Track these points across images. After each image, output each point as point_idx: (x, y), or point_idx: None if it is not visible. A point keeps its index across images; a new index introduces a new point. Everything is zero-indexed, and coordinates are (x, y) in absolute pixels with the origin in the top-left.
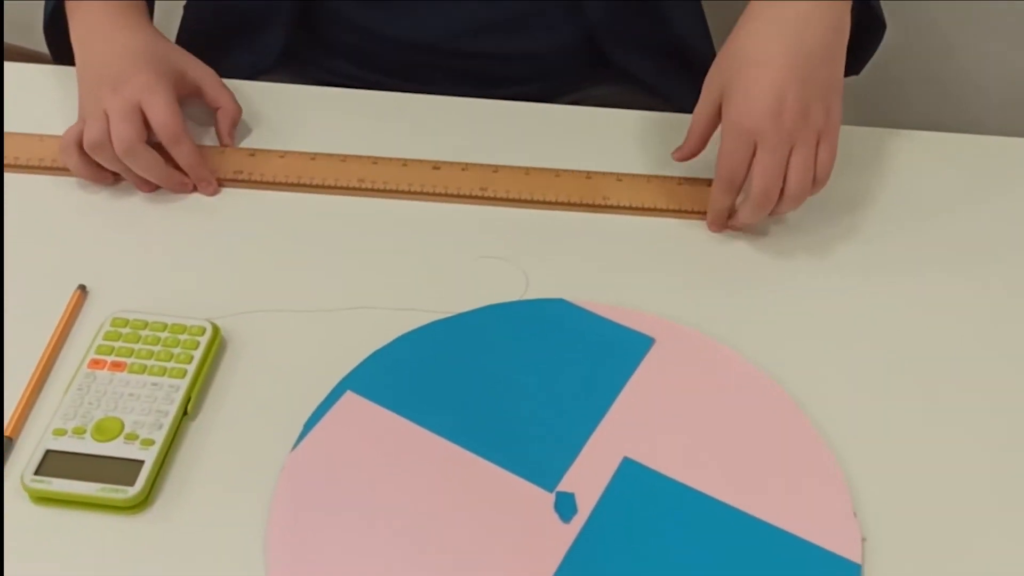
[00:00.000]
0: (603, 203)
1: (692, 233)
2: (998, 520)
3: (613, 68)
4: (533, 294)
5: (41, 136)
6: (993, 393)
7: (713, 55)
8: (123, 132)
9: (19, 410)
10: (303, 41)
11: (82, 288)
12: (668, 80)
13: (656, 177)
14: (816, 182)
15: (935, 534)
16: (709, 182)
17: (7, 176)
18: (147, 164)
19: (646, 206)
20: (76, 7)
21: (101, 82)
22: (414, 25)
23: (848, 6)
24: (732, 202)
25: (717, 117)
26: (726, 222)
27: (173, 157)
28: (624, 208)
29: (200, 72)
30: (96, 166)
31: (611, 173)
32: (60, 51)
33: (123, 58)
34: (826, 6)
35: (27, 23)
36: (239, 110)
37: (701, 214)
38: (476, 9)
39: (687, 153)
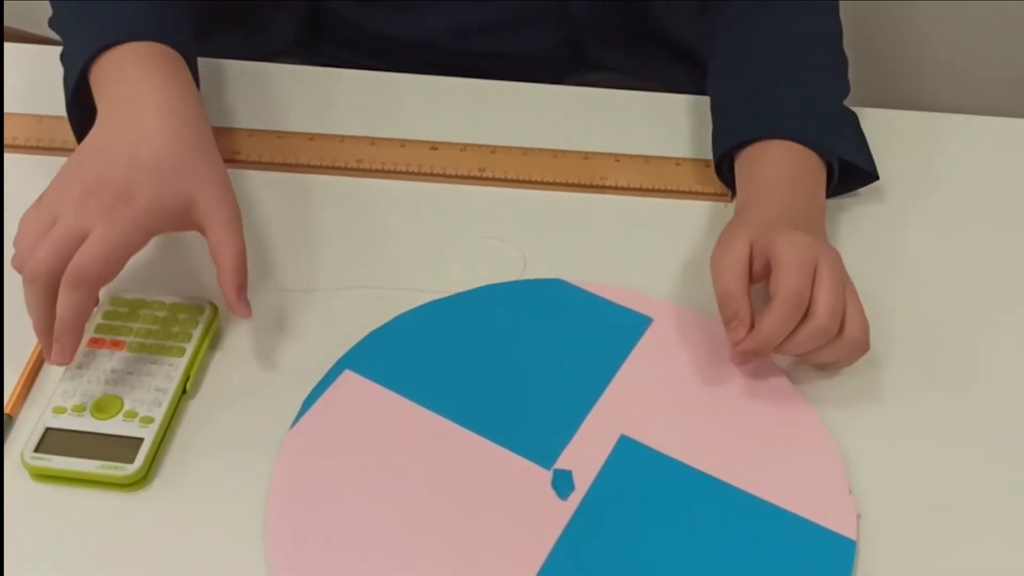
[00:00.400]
0: (601, 183)
1: (690, 213)
2: (993, 498)
3: (606, 67)
4: (531, 274)
5: (40, 117)
6: (990, 371)
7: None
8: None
9: (19, 388)
10: (310, 35)
11: None
12: (660, 72)
13: (654, 158)
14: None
15: (930, 511)
16: (707, 163)
17: (15, 156)
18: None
19: (644, 187)
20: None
21: (87, 179)
22: (408, 25)
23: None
24: (788, 328)
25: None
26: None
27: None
28: (622, 188)
29: (211, 208)
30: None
31: (609, 154)
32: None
33: (131, 166)
34: (809, 183)
35: (27, 7)
36: (241, 265)
37: (698, 194)
38: (468, 10)
39: (748, 324)
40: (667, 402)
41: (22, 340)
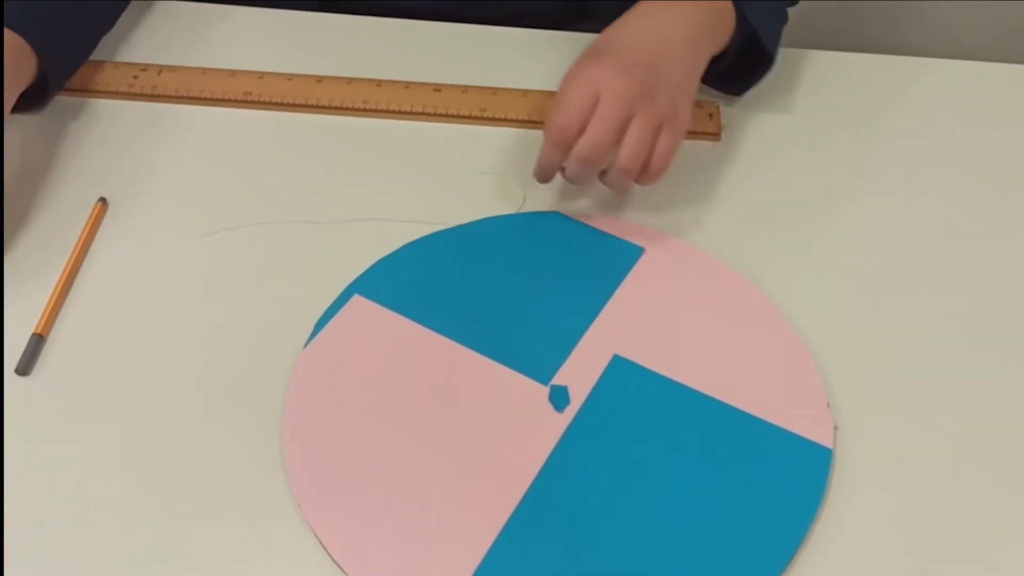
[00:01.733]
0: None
1: (680, 152)
2: (963, 413)
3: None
4: (530, 208)
5: None
6: (963, 291)
7: None
8: None
9: (49, 310)
10: (321, 5)
11: (103, 200)
12: None
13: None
14: (650, 170)
15: (903, 424)
16: (699, 104)
17: None
18: None
19: None
20: None
21: None
22: None
23: (722, 32)
24: (561, 159)
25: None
26: (552, 175)
27: None
28: None
29: None
30: None
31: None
32: None
33: None
34: (697, 24)
35: None
36: None
37: (690, 134)
38: None
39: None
40: (657, 324)
41: (51, 267)
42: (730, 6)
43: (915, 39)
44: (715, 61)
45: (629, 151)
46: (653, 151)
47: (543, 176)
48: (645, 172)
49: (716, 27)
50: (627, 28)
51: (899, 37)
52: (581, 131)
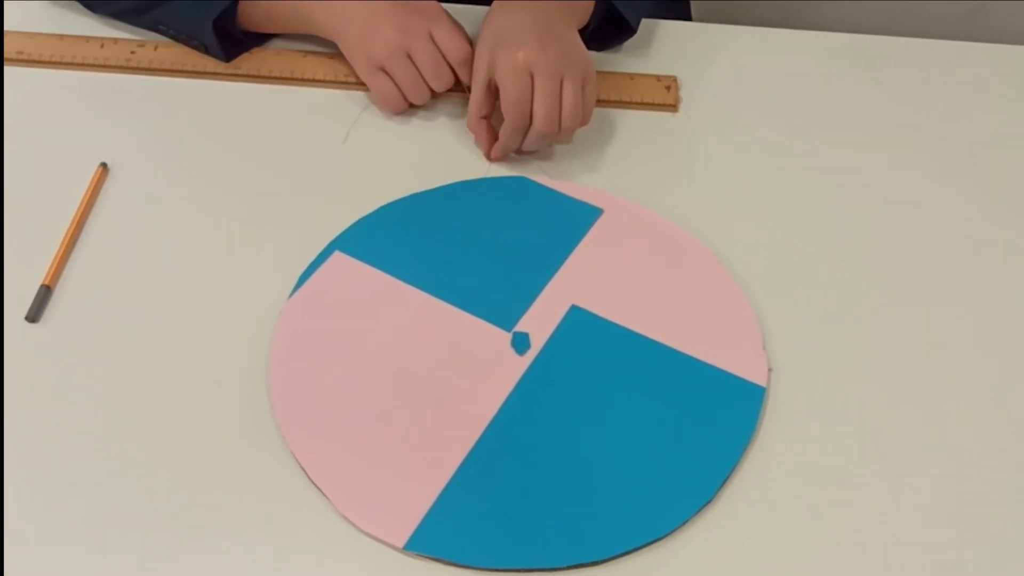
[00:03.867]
0: None
1: (639, 122)
2: (891, 358)
3: None
4: (497, 173)
5: (61, 36)
6: (894, 246)
7: None
8: (437, 67)
9: (55, 263)
10: None
11: (104, 166)
12: None
13: (610, 74)
14: (585, 116)
15: (833, 368)
16: (658, 78)
17: (35, 71)
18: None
19: (600, 98)
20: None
21: (385, 27)
22: None
23: (583, 9)
24: (522, 139)
25: (492, 96)
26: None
27: (460, 77)
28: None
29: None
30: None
31: None
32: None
33: (394, 3)
34: (560, 5)
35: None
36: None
37: (649, 105)
38: None
39: (489, 145)
40: (611, 278)
41: (55, 227)
42: None
43: (872, 17)
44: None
45: (569, 116)
46: (585, 103)
47: (501, 157)
48: (583, 121)
49: (575, 7)
50: (510, 13)
51: (855, 15)
52: (531, 108)
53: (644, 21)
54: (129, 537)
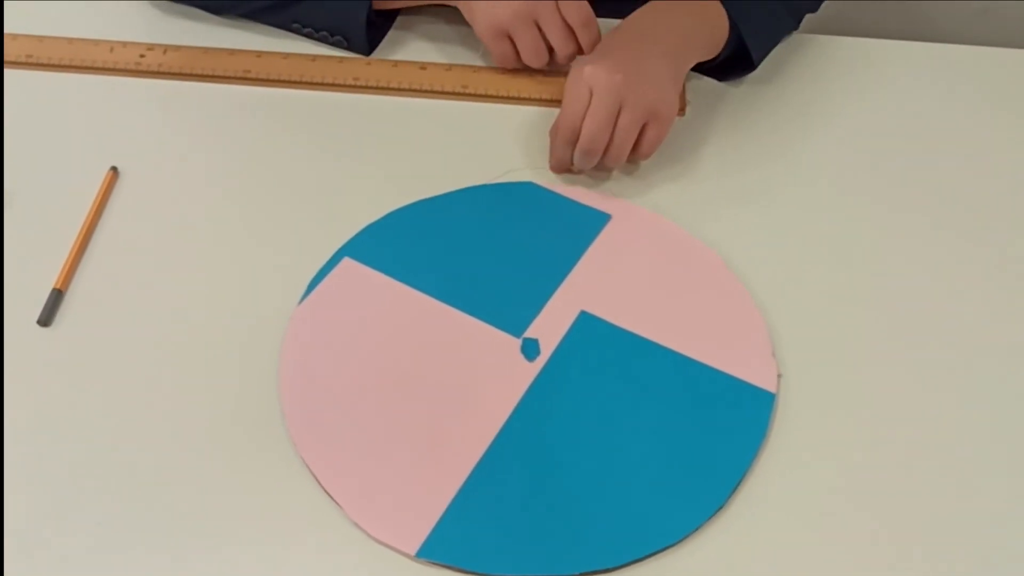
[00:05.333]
0: None
1: None
2: (902, 364)
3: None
4: (506, 179)
5: (70, 39)
6: (905, 250)
7: None
8: (562, 35)
9: (67, 267)
10: None
11: (114, 169)
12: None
13: None
14: (638, 155)
15: (843, 374)
16: None
17: (45, 74)
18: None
19: None
20: None
21: None
22: None
23: (710, 45)
24: (571, 153)
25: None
26: (566, 167)
27: (582, 42)
28: None
29: None
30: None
31: None
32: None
33: None
34: (685, 34)
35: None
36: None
37: None
38: None
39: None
40: (620, 283)
41: (66, 230)
42: (725, 24)
43: (880, 21)
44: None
45: (616, 143)
46: (642, 139)
47: (558, 169)
48: (634, 156)
49: (706, 38)
50: (623, 30)
51: (863, 19)
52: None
53: None
54: (139, 542)
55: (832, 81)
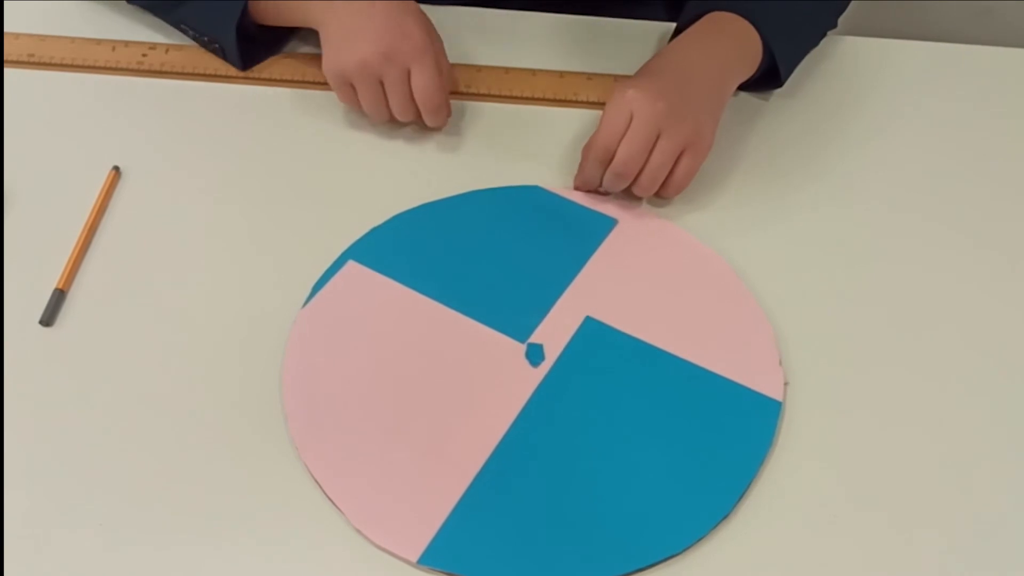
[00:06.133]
0: (574, 99)
1: None
2: (908, 372)
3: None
4: (511, 181)
5: (72, 39)
6: (911, 259)
7: None
8: (403, 104)
9: (69, 267)
10: None
11: (116, 169)
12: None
13: (622, 76)
14: (671, 184)
15: (849, 382)
16: None
17: (47, 74)
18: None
19: None
20: None
21: (368, 43)
22: None
23: (748, 68)
24: (601, 173)
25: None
26: (594, 187)
27: (425, 121)
28: (593, 104)
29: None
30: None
31: (582, 73)
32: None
33: (387, 21)
34: (727, 60)
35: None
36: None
37: None
38: None
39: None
40: (626, 289)
41: (69, 229)
42: (759, 47)
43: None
44: None
45: (651, 170)
46: (676, 169)
47: (585, 187)
48: (666, 188)
49: (743, 63)
50: (665, 58)
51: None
52: (616, 148)
53: (658, 25)
54: (139, 544)
55: (838, 82)
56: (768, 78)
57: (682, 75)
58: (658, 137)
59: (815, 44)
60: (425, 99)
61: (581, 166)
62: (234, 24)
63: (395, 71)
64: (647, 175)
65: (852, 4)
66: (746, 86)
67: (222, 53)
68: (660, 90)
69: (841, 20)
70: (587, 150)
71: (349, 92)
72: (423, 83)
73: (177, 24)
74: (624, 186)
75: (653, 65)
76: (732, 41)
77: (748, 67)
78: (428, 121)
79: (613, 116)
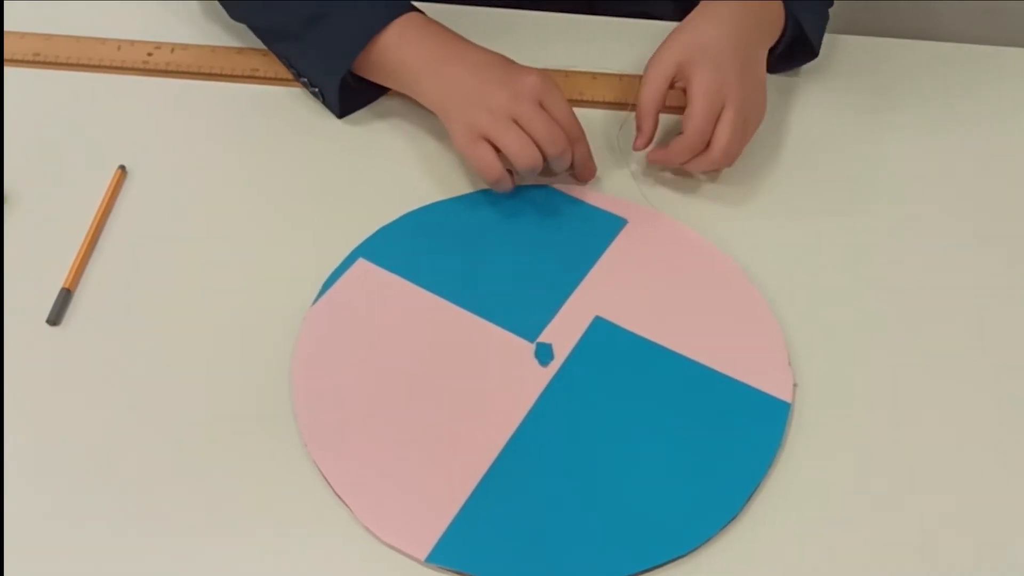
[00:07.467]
0: (579, 98)
1: (662, 129)
2: (918, 374)
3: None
4: (522, 182)
5: (78, 38)
6: (921, 260)
7: None
8: (550, 131)
9: (76, 267)
10: None
11: (122, 168)
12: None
13: (626, 75)
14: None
15: (858, 383)
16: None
17: (52, 73)
18: (566, 161)
19: (618, 100)
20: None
21: (490, 93)
22: None
23: (774, 31)
24: (688, 157)
25: (665, 98)
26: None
27: (576, 158)
28: (598, 103)
29: None
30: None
31: (587, 72)
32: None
33: (495, 66)
34: (756, 23)
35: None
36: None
37: (669, 109)
38: None
39: (648, 138)
40: (635, 289)
41: (75, 229)
42: (780, 9)
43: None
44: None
45: (738, 145)
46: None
47: (659, 161)
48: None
49: (770, 26)
50: (715, 22)
51: (866, 19)
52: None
53: (664, 25)
54: (147, 541)
55: (840, 82)
56: (798, 49)
57: (739, 45)
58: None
59: (830, 4)
60: (570, 124)
61: (672, 153)
62: (338, 79)
63: (528, 106)
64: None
65: (853, 4)
66: (780, 63)
67: (321, 98)
68: (741, 72)
69: (842, 20)
70: (681, 143)
71: (487, 150)
72: (560, 108)
73: (280, 56)
74: (713, 168)
75: (707, 36)
76: (752, 6)
77: (773, 31)
78: (577, 154)
79: (709, 107)
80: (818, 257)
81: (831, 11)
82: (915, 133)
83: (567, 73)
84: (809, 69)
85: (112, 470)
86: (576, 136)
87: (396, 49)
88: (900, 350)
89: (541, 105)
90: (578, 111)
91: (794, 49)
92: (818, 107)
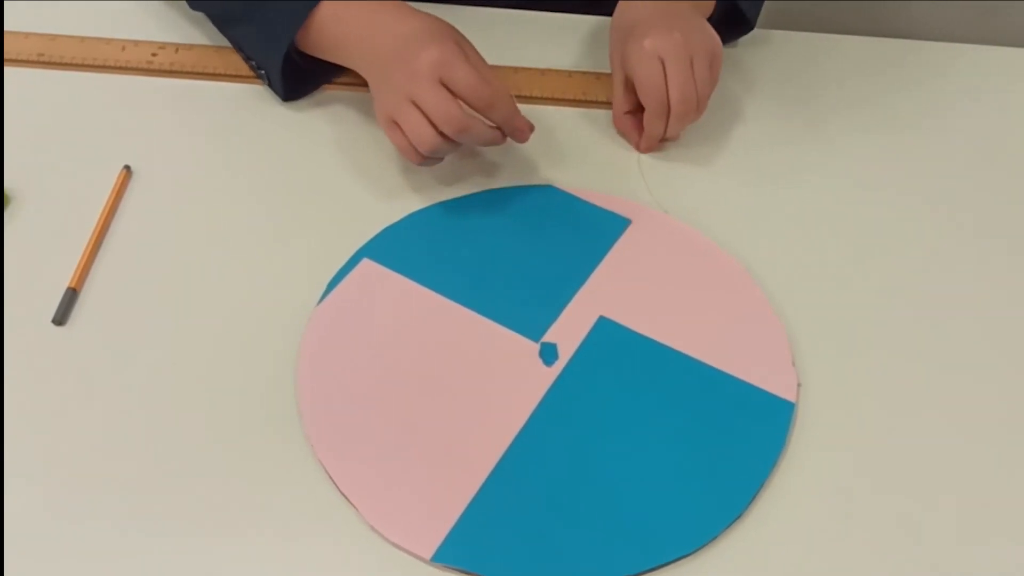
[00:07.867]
0: (583, 98)
1: None
2: (922, 373)
3: None
4: (525, 181)
5: (82, 38)
6: (923, 260)
7: None
8: (449, 116)
9: (81, 266)
10: None
11: (127, 168)
12: None
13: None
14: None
15: (863, 383)
16: None
17: (57, 73)
18: (479, 134)
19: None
20: (333, 15)
21: (392, 73)
22: None
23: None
24: (665, 124)
25: (632, 93)
26: (657, 143)
27: (489, 120)
28: (602, 103)
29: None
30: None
31: (591, 72)
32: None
33: (410, 40)
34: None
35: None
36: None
37: None
38: None
39: (636, 143)
40: (639, 289)
41: (81, 229)
42: None
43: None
44: None
45: (701, 91)
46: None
47: (651, 147)
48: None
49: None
50: (634, 9)
51: (871, 19)
52: (667, 94)
53: None
54: (153, 541)
55: (842, 82)
56: (735, 24)
57: (662, 10)
58: (691, 62)
59: None
60: (477, 96)
61: (648, 128)
62: (280, 58)
63: (423, 85)
64: (700, 101)
65: (854, 4)
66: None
67: (267, 80)
68: (667, 26)
69: (842, 20)
70: (650, 114)
71: (400, 135)
72: (465, 82)
73: (232, 43)
74: (691, 123)
75: (630, 21)
76: None
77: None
78: (496, 119)
79: (648, 69)
80: (822, 257)
81: (846, 12)
82: (916, 133)
83: (570, 73)
84: (812, 70)
85: (117, 470)
86: (487, 103)
87: (333, 24)
88: (904, 350)
89: (441, 81)
90: (579, 111)
91: (728, 23)
92: (819, 108)
